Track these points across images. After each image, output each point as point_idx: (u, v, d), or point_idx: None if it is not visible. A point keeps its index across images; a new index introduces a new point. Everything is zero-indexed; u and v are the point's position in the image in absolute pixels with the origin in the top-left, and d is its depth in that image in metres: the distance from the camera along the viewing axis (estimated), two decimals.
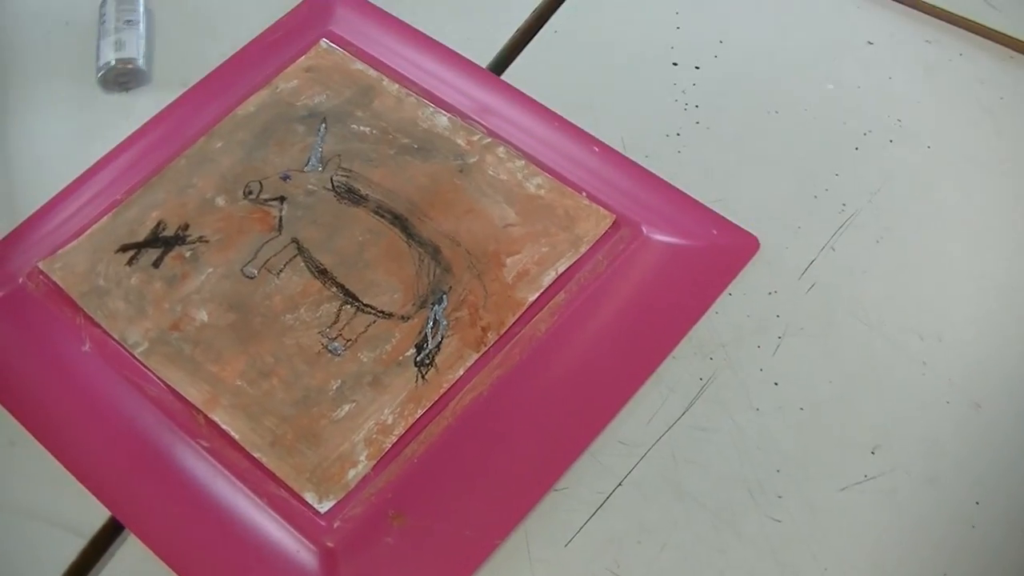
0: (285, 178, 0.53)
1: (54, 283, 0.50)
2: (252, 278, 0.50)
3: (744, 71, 0.57)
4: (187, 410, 0.46)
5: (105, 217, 0.52)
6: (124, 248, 0.51)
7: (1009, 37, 0.57)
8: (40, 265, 0.51)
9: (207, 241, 0.51)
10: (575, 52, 0.59)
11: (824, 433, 0.46)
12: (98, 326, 0.49)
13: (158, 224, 0.52)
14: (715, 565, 0.43)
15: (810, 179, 0.53)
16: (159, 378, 0.47)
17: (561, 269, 0.49)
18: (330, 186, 0.52)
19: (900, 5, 0.60)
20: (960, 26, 0.59)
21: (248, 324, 0.48)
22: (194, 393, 0.47)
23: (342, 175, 0.53)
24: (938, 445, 0.46)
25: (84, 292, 0.50)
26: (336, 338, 0.48)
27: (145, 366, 0.47)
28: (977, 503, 0.44)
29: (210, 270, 0.50)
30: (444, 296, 0.48)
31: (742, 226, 0.51)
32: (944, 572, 0.43)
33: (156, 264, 0.50)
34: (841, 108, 0.56)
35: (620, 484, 0.45)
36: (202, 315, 0.49)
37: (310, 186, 0.52)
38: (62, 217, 0.53)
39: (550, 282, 0.49)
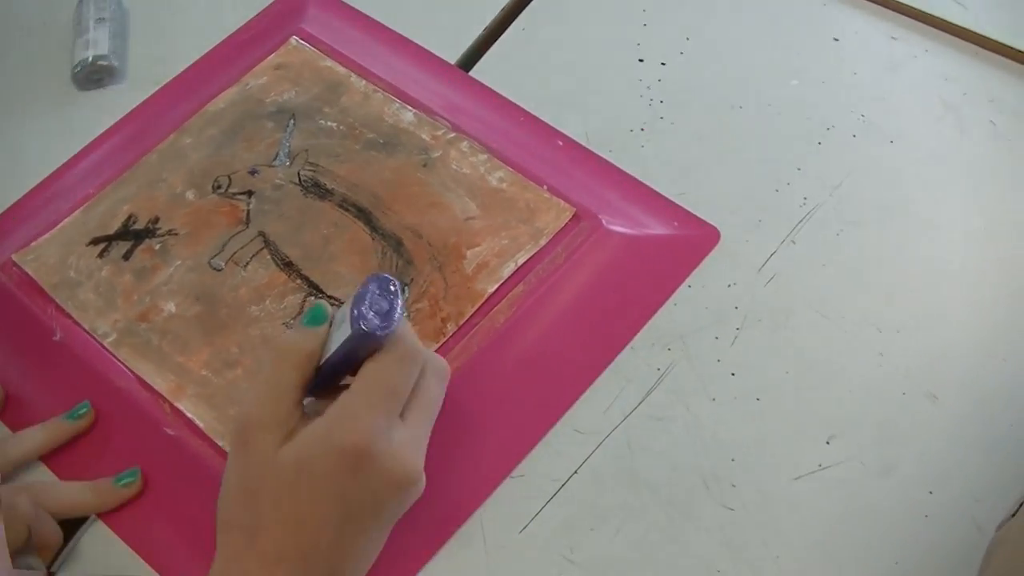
0: (253, 173, 0.54)
1: (27, 275, 0.51)
2: (219, 270, 0.50)
3: (709, 67, 0.58)
4: (154, 399, 0.47)
5: (77, 211, 0.53)
6: (95, 241, 0.52)
7: (975, 34, 0.58)
8: (13, 257, 0.52)
9: (176, 234, 0.52)
10: (543, 49, 0.59)
11: (780, 423, 0.46)
12: (69, 317, 0.50)
13: (129, 217, 0.53)
14: (668, 552, 0.43)
15: (772, 173, 0.54)
16: (127, 368, 0.48)
17: (521, 261, 0.49)
18: (297, 180, 0.53)
19: (866, 2, 0.60)
20: (926, 23, 0.59)
21: (214, 315, 0.49)
22: (161, 383, 0.47)
23: (309, 170, 0.53)
24: (893, 435, 0.46)
25: (56, 283, 0.51)
26: None
27: (114, 356, 0.48)
28: (930, 493, 0.44)
29: (178, 262, 0.51)
30: (405, 288, 0.49)
31: (704, 219, 0.52)
32: (896, 560, 0.43)
33: (126, 256, 0.51)
34: (805, 103, 0.56)
35: (576, 472, 0.46)
36: (170, 306, 0.50)
37: (278, 180, 0.53)
38: (36, 211, 0.54)
39: (509, 274, 0.49)
